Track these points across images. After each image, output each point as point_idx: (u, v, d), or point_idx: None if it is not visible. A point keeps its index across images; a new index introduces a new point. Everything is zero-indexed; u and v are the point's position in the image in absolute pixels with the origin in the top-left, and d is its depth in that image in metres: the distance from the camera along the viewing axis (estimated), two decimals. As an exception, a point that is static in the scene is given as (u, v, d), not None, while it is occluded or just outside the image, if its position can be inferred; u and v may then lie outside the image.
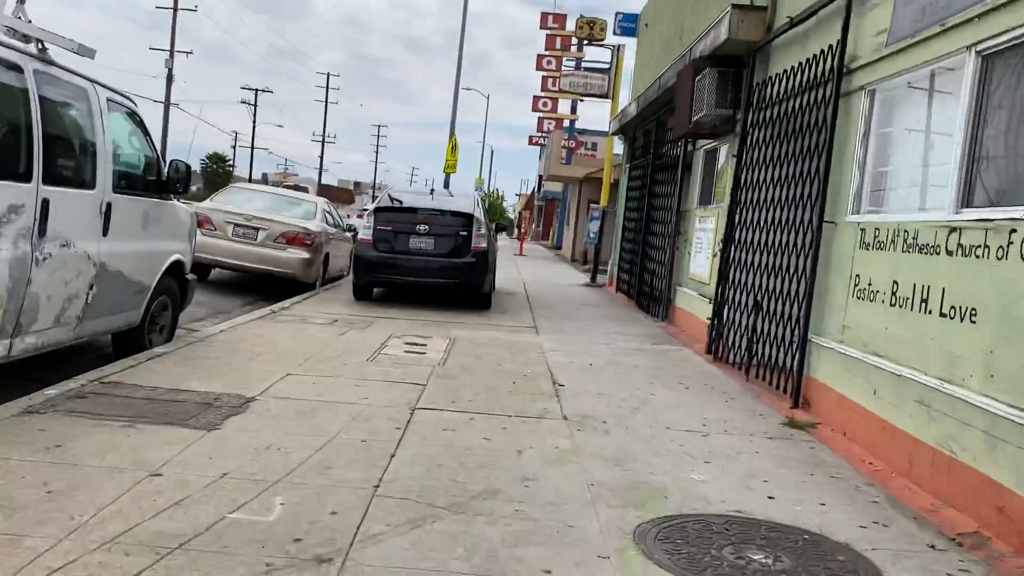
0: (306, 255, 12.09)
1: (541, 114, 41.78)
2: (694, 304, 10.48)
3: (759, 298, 7.70)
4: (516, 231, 60.47)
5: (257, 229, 11.95)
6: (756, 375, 7.55)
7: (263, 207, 12.45)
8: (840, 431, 5.86)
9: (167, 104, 52.89)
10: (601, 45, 23.76)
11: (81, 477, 3.74)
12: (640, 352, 9.03)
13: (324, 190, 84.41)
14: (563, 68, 26.16)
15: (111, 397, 5.14)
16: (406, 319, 10.13)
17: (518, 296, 14.38)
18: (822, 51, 6.87)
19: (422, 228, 11.07)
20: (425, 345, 8.29)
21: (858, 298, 5.87)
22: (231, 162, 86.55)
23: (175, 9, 53.59)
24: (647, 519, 3.87)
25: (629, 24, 17.98)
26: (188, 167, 6.79)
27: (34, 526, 3.19)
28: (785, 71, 7.69)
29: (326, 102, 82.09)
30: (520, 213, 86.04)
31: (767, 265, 7.58)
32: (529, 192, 77.41)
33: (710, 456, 5.07)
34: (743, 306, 8.11)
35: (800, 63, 7.34)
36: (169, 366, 6.23)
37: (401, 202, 11.65)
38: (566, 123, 40.91)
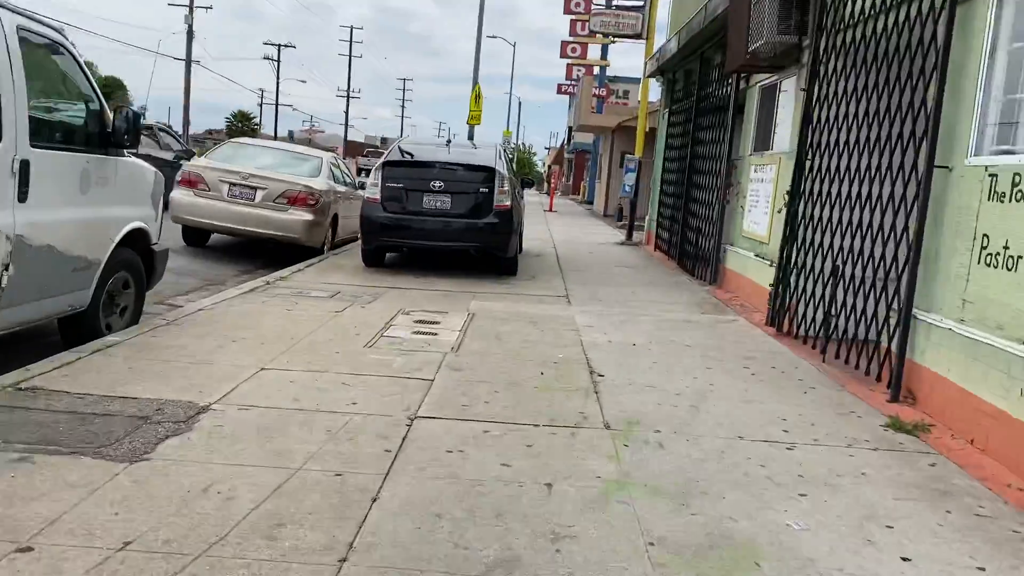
0: (310, 216, 10.88)
1: (570, 60, 39.87)
2: (749, 266, 9.11)
3: (839, 263, 6.33)
4: (546, 186, 58.87)
5: (255, 188, 10.74)
6: (836, 355, 6.22)
7: (262, 164, 11.21)
8: (965, 437, 4.55)
9: (188, 61, 51.80)
10: (634, -19, 21.99)
11: (-96, 561, 2.57)
12: (689, 325, 7.73)
13: (351, 146, 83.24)
14: (592, 7, 24.48)
15: (19, 412, 3.97)
16: (419, 289, 8.90)
17: (547, 258, 13.07)
18: (927, -51, 5.39)
19: (437, 185, 9.76)
20: (438, 323, 7.06)
21: (988, 265, 4.50)
22: (256, 120, 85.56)
23: (193, -38, 52.21)
24: (737, 610, 2.63)
25: (666, -47, 16.26)
26: (136, 115, 5.54)
27: None
28: (872, -19, 6.20)
29: (350, 56, 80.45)
30: (550, 167, 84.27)
31: (851, 222, 6.20)
32: (558, 145, 75.49)
33: (804, 483, 3.79)
34: (818, 272, 6.75)
35: (894, -32, 5.85)
36: (117, 361, 5.06)
37: (413, 155, 10.33)
38: (596, 70, 39.07)
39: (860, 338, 5.94)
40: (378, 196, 9.85)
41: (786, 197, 7.51)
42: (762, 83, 9.46)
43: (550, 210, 30.23)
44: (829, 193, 6.63)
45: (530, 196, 40.02)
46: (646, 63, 18.37)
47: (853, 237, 6.10)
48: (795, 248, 7.23)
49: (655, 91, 22.49)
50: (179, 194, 10.81)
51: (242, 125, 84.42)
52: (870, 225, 5.84)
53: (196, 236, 11.59)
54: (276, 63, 74.58)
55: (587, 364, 5.83)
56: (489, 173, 9.89)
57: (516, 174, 13.01)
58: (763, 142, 9.38)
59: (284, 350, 5.66)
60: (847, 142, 6.37)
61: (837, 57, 6.81)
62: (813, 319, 6.73)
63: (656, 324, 7.65)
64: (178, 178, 10.93)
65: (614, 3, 24.25)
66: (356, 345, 6.00)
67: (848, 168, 6.30)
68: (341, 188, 12.35)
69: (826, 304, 6.50)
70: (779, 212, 7.74)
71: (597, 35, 36.84)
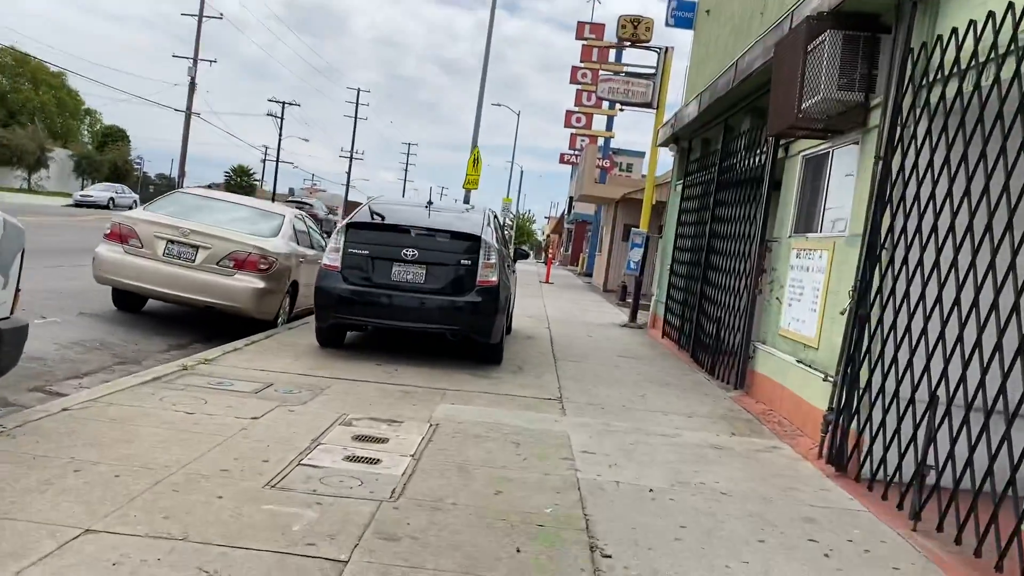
0: (260, 283, 9.12)
1: (574, 130, 38.96)
2: (789, 374, 7.34)
3: (941, 392, 4.56)
4: (544, 255, 57.59)
5: (196, 247, 9.00)
6: (939, 527, 4.40)
7: (210, 220, 9.51)
8: None
9: (188, 113, 51.01)
10: (646, 47, 20.79)
11: None
12: (720, 454, 5.91)
13: (351, 206, 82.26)
14: (600, 75, 23.28)
15: None
16: (376, 383, 7.10)
17: (540, 342, 11.30)
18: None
19: (410, 253, 8.05)
20: (386, 441, 5.24)
21: None
22: (256, 175, 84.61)
23: (200, 17, 52.01)
24: None
25: (685, 13, 14.99)
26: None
27: None
28: (990, 15, 4.59)
29: (355, 117, 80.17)
30: (548, 236, 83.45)
31: (961, 339, 4.45)
32: (559, 215, 74.55)
33: None
34: (904, 400, 4.97)
35: (1026, -3, 4.24)
36: None
37: (383, 217, 8.64)
38: (600, 141, 38.04)
39: (979, 505, 4.14)
40: (338, 263, 8.13)
41: (852, 295, 5.79)
42: (806, 152, 7.86)
43: (547, 281, 28.57)
44: (923, 296, 4.90)
45: (527, 265, 38.49)
46: (657, 131, 16.98)
47: (967, 360, 4.34)
48: (867, 365, 5.46)
49: (662, 164, 21.02)
50: (105, 250, 9.09)
51: (240, 180, 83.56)
52: (998, 347, 4.09)
53: (129, 299, 9.82)
54: (279, 120, 74.17)
55: (586, 531, 3.99)
56: (474, 242, 8.20)
57: (508, 243, 11.33)
58: (808, 223, 7.72)
59: (142, 491, 3.84)
60: (953, 229, 4.67)
61: (931, 117, 5.17)
62: (898, 466, 4.92)
63: (676, 451, 5.84)
64: (106, 231, 9.23)
65: (623, 71, 23.08)
66: (256, 481, 4.18)
67: (956, 265, 4.58)
68: (306, 251, 10.64)
69: (917, 447, 4.71)
70: (841, 314, 5.99)
71: (603, 103, 35.88)
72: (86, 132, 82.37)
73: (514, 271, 11.23)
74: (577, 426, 6.28)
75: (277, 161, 76.46)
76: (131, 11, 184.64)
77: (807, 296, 7.20)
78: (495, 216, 9.76)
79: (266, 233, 9.72)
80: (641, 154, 44.90)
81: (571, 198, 45.76)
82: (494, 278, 8.21)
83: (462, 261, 8.15)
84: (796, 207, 7.99)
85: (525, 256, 13.11)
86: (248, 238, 9.28)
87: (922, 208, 5.08)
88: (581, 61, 38.34)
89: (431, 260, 8.10)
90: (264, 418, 5.45)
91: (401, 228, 8.29)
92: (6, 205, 32.62)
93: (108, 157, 65.24)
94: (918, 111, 5.33)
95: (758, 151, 9.09)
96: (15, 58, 66.20)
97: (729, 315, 9.24)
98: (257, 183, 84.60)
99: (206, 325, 9.99)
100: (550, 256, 43.64)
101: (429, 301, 8.06)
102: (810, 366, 6.83)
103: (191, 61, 51.78)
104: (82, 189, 51.59)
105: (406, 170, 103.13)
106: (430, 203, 9.45)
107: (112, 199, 44.87)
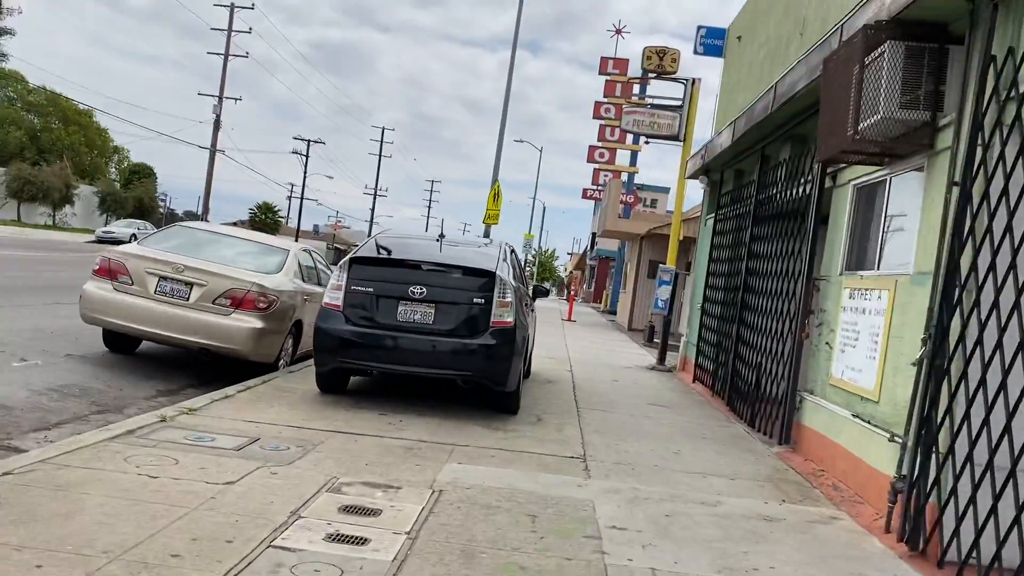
0: (258, 323, 8.41)
1: (597, 165, 38.43)
2: (844, 429, 6.48)
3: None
4: (566, 291, 56.82)
5: (191, 284, 8.33)
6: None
7: (207, 255, 8.84)
8: None
9: (212, 151, 51.24)
10: (672, 79, 20.17)
11: None
12: (770, 528, 5.06)
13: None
14: (625, 107, 22.66)
15: None
16: (376, 436, 6.33)
17: (561, 386, 10.48)
18: None
19: (418, 291, 7.33)
20: (379, 512, 4.46)
21: None
22: (281, 212, 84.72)
23: (226, 55, 52.55)
24: None
25: (715, 40, 14.32)
26: None
27: None
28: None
29: (380, 155, 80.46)
30: (571, 272, 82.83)
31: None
32: (581, 251, 73.93)
33: None
34: (1001, 473, 4.12)
35: None
36: None
37: (390, 252, 7.94)
38: (624, 176, 37.45)
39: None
40: (340, 302, 7.42)
41: (925, 343, 4.96)
42: (857, 181, 7.07)
43: (569, 319, 27.76)
44: (1022, 347, 4.07)
45: (548, 302, 37.72)
46: (685, 163, 16.28)
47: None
48: (948, 427, 4.62)
49: (688, 200, 20.25)
50: (93, 287, 8.44)
51: (265, 217, 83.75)
52: None
53: (121, 340, 9.15)
54: (304, 157, 74.35)
55: (618, 644, 3.18)
56: (488, 279, 7.47)
57: (527, 280, 10.58)
58: (861, 259, 6.91)
59: (63, 590, 3.08)
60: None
61: (1016, 136, 4.38)
62: (996, 553, 4.06)
63: (720, 525, 5.00)
64: (95, 266, 8.60)
65: (649, 103, 22.47)
66: (212, 572, 3.41)
67: (1068, 309, 3.77)
68: (313, 288, 9.93)
69: (1023, 530, 3.85)
70: (912, 365, 5.15)
71: (627, 138, 35.32)
72: (114, 169, 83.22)
73: (533, 310, 10.48)
74: (603, 492, 5.46)
75: (302, 198, 76.59)
76: (162, 52, 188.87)
77: (863, 341, 6.36)
78: (512, 251, 9.03)
79: (268, 269, 9.03)
80: (666, 190, 44.29)
81: (594, 234, 45.08)
82: (510, 319, 7.46)
83: (475, 300, 7.41)
84: (847, 241, 7.18)
85: (545, 294, 12.34)
86: (247, 274, 8.60)
87: (1016, 242, 4.27)
88: (604, 96, 37.98)
89: (441, 299, 7.38)
90: (240, 483, 4.69)
91: (409, 263, 7.58)
92: (29, 241, 32.50)
93: (133, 194, 65.60)
94: (1005, 128, 4.56)
95: (801, 180, 8.32)
96: (46, 97, 67.24)
97: (771, 361, 8.39)
98: (282, 220, 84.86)
99: (203, 368, 9.29)
100: (572, 293, 42.83)
101: (439, 344, 7.32)
102: (869, 422, 5.98)
103: (216, 99, 52.19)
104: (105, 225, 51.86)
105: (429, 206, 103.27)
106: (442, 236, 8.74)
107: (134, 235, 44.87)
